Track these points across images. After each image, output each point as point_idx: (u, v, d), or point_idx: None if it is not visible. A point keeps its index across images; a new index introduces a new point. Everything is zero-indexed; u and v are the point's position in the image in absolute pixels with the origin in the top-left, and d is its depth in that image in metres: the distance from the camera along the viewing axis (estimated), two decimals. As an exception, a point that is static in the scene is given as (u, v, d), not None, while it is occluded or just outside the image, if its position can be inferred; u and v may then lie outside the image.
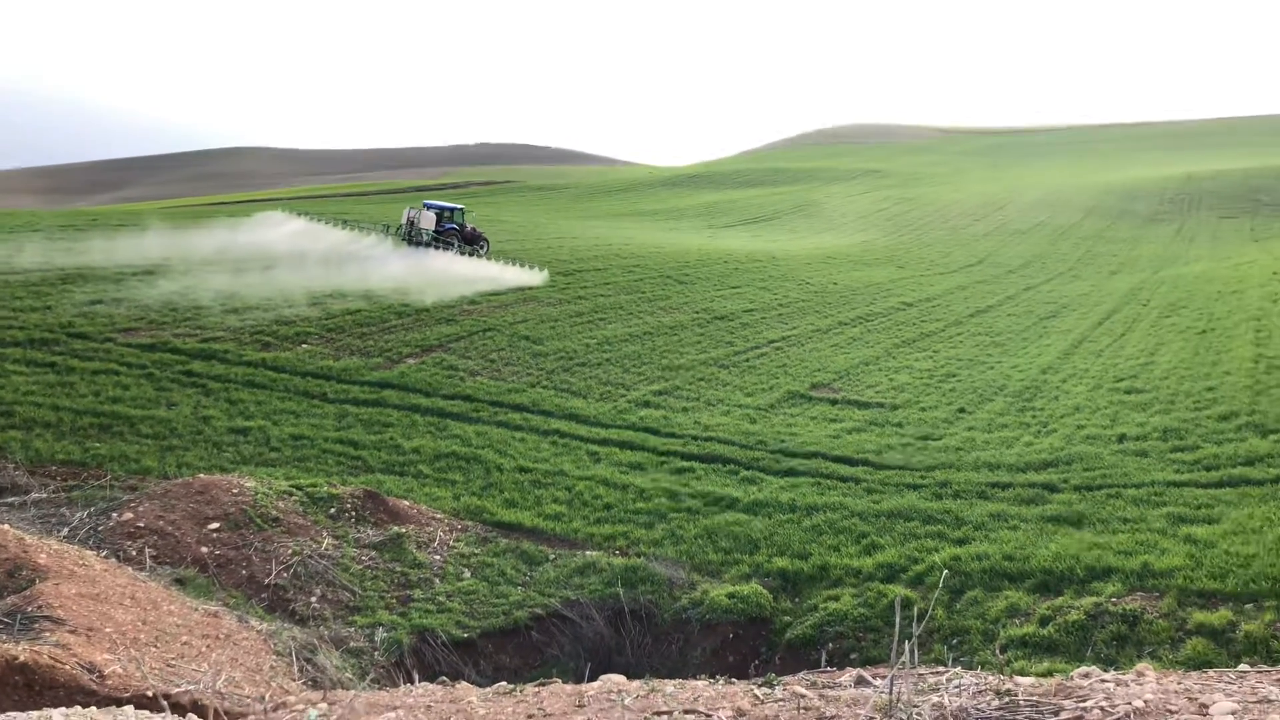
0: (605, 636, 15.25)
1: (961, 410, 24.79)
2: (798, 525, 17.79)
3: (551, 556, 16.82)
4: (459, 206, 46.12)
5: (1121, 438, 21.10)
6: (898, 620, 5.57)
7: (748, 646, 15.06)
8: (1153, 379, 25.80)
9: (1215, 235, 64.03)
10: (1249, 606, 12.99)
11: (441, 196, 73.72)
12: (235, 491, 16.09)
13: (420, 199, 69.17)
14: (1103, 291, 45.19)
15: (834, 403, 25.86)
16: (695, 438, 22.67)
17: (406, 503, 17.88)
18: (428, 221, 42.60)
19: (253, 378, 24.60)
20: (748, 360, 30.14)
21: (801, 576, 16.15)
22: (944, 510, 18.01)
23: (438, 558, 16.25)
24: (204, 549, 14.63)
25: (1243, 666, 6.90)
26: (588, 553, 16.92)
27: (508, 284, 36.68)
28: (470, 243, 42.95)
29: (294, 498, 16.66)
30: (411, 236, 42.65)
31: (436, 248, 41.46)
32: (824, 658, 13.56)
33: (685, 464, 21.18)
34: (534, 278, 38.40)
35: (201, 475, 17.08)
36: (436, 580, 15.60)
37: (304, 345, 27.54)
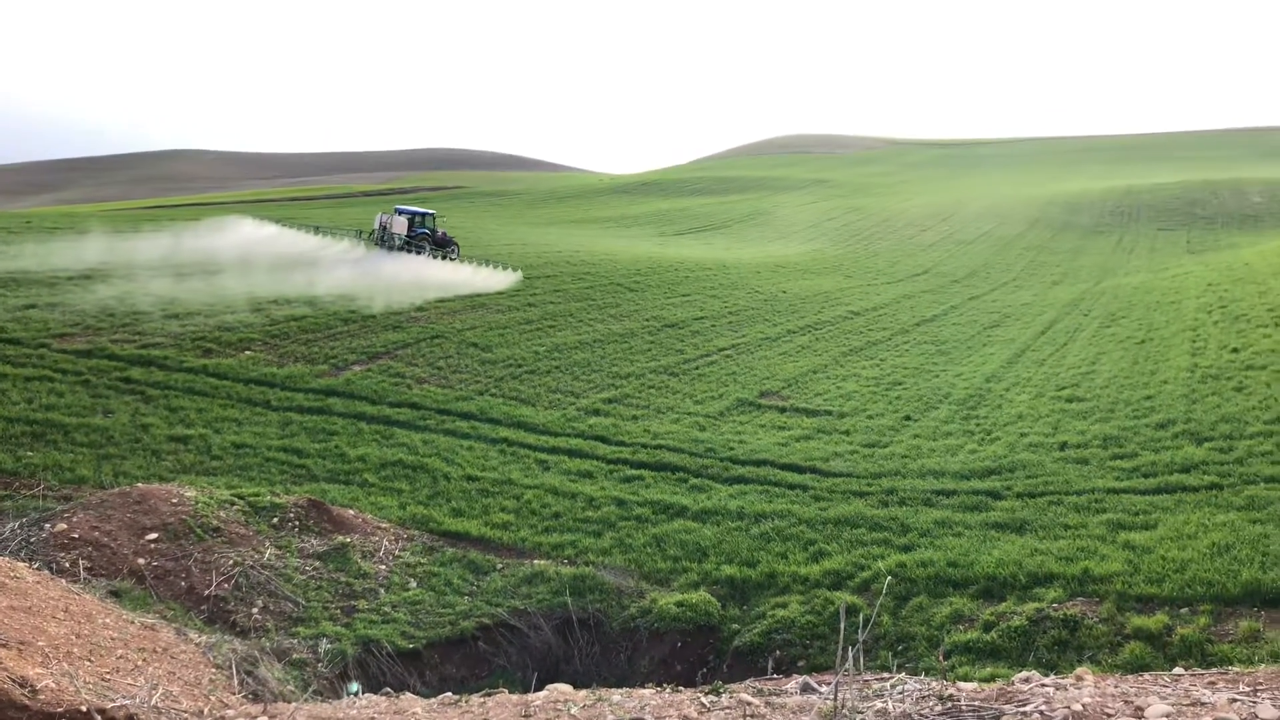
0: (553, 646, 15.16)
1: (907, 418, 25.08)
2: (746, 533, 17.85)
3: (499, 566, 16.69)
4: (430, 212, 46.97)
5: (1063, 445, 21.49)
6: (843, 627, 5.61)
7: (696, 654, 15.06)
8: (1093, 388, 26.32)
9: (1153, 247, 65.59)
10: (1184, 611, 13.29)
11: (394, 202, 73.47)
12: (175, 501, 15.74)
13: (366, 205, 68.78)
14: (1045, 301, 46.04)
15: (782, 410, 26.03)
16: (645, 446, 22.67)
17: (352, 512, 17.63)
18: (400, 226, 43.67)
19: (193, 385, 24.11)
20: (697, 368, 30.23)
21: (749, 584, 16.20)
22: (890, 517, 18.20)
23: (383, 567, 16.04)
24: (141, 560, 14.29)
25: (1177, 670, 7.05)
26: (536, 562, 16.82)
27: (479, 287, 36.85)
28: (441, 247, 44.08)
29: (236, 507, 16.35)
30: (384, 241, 43.51)
31: (409, 252, 42.40)
32: (771, 665, 13.63)
33: (634, 472, 21.16)
34: (507, 279, 38.76)
35: (139, 485, 16.69)
36: (382, 590, 15.40)
37: (247, 352, 27.07)
